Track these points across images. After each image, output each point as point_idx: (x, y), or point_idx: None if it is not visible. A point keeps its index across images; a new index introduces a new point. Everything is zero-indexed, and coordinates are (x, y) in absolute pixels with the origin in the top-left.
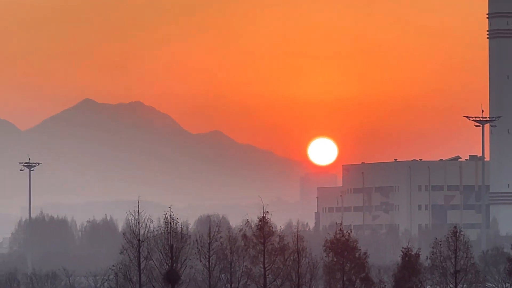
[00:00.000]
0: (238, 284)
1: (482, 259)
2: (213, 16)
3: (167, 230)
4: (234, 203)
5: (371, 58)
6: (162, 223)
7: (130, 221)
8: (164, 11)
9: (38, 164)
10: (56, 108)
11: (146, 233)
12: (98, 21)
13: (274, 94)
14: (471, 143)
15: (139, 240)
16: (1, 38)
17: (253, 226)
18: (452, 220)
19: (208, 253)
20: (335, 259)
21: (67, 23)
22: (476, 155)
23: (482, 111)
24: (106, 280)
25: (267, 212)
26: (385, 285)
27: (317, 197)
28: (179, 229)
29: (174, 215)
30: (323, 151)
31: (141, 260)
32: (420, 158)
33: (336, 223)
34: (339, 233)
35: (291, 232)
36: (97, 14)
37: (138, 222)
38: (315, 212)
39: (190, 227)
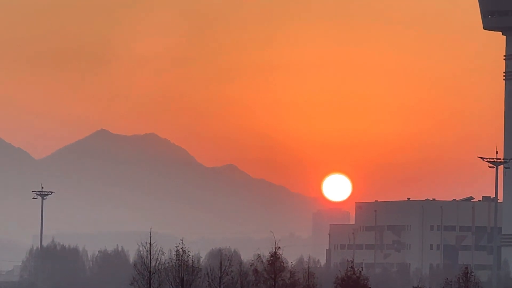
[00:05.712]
0: None
1: None
2: (224, 51)
3: (178, 263)
4: (246, 237)
5: (386, 96)
6: (173, 255)
7: (142, 252)
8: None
9: (51, 192)
10: (71, 138)
11: (157, 265)
12: (114, 54)
13: (289, 130)
14: (484, 184)
15: (150, 272)
16: (17, 67)
17: (264, 261)
18: (464, 260)
19: (219, 287)
20: None
21: (83, 53)
22: (489, 196)
23: (497, 152)
24: None
25: (279, 247)
26: None
27: (329, 234)
28: (190, 262)
29: (186, 248)
30: (337, 188)
31: None
32: (433, 198)
33: (347, 260)
34: (350, 270)
35: (302, 268)
36: (112, 47)
37: (150, 254)
38: (326, 249)
39: (201, 260)
